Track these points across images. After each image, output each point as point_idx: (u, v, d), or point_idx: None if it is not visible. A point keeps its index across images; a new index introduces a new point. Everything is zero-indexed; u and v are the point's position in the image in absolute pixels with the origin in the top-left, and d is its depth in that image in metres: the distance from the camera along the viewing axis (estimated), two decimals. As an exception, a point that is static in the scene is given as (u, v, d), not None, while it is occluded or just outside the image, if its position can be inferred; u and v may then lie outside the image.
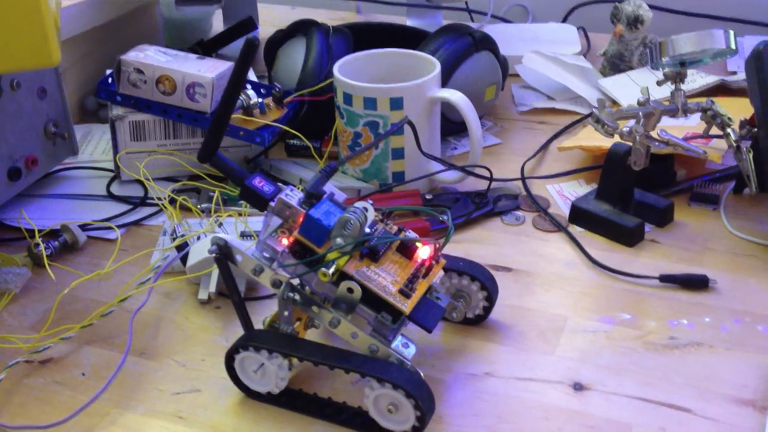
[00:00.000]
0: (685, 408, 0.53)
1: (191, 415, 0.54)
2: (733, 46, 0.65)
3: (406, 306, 0.51)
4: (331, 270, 0.50)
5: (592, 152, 0.79)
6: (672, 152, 0.71)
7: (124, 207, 0.75)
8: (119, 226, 0.72)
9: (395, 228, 0.55)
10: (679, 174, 0.76)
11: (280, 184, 0.55)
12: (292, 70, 0.82)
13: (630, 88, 0.89)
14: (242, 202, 0.71)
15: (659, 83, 0.68)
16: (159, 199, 0.72)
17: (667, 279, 0.64)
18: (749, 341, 0.58)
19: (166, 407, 0.55)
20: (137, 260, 0.67)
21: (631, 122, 0.68)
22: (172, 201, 0.71)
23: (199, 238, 0.66)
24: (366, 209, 0.52)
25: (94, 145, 0.85)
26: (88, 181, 0.79)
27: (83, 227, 0.71)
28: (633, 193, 0.71)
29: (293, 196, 0.53)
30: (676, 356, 0.58)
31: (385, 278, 0.52)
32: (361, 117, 0.73)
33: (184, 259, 0.64)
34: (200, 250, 0.63)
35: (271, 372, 0.53)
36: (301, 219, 0.52)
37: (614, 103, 0.88)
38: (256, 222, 0.70)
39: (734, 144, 0.68)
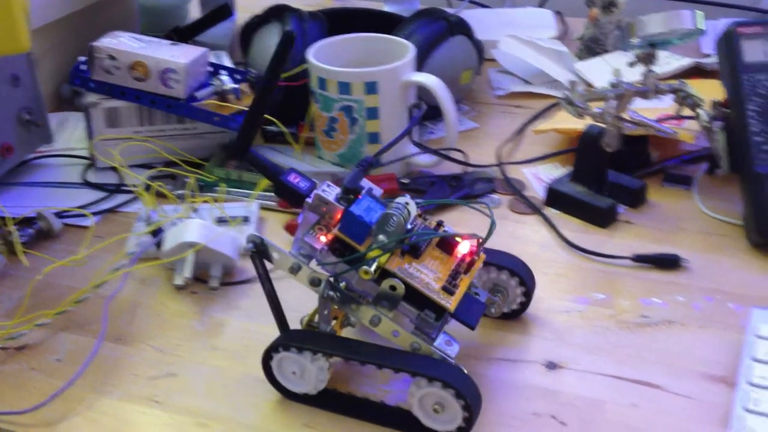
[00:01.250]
0: (657, 384, 0.54)
1: (167, 399, 0.54)
2: (701, 27, 0.66)
3: (450, 303, 0.50)
4: (373, 267, 0.49)
5: (567, 134, 0.79)
6: (644, 133, 0.72)
7: (100, 194, 0.75)
8: (95, 213, 0.72)
9: (434, 223, 0.53)
10: (653, 156, 0.77)
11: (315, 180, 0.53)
12: (267, 56, 0.81)
13: (605, 71, 0.90)
14: (218, 187, 0.72)
15: (631, 64, 0.69)
16: (134, 185, 0.72)
17: (640, 259, 0.65)
18: (720, 318, 0.59)
19: (141, 392, 0.55)
20: (112, 247, 0.67)
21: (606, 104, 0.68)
22: (148, 188, 0.71)
23: (174, 224, 0.65)
24: (408, 204, 0.51)
25: (70, 132, 0.84)
26: (63, 168, 0.79)
27: (59, 215, 0.71)
28: (607, 175, 0.72)
29: (330, 191, 0.52)
30: (648, 334, 0.58)
31: (428, 275, 0.51)
32: (336, 101, 0.73)
33: (159, 246, 0.64)
34: (175, 236, 0.63)
35: (311, 373, 0.52)
36: (338, 215, 0.51)
37: (590, 86, 0.88)
38: (231, 208, 0.70)
39: (705, 124, 0.68)
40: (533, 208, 0.72)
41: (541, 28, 1.02)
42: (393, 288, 0.50)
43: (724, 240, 0.67)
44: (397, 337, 0.51)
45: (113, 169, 0.76)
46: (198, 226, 0.63)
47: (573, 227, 0.70)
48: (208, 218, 0.68)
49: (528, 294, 0.59)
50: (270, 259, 0.53)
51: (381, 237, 0.49)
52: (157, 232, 0.65)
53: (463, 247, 0.52)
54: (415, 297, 0.50)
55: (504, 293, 0.59)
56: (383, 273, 0.50)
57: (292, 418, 0.53)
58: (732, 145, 0.67)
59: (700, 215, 0.70)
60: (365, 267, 0.49)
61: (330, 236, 0.51)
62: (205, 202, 0.69)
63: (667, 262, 0.64)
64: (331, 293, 0.51)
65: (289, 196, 0.53)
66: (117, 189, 0.75)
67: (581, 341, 0.58)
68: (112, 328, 0.60)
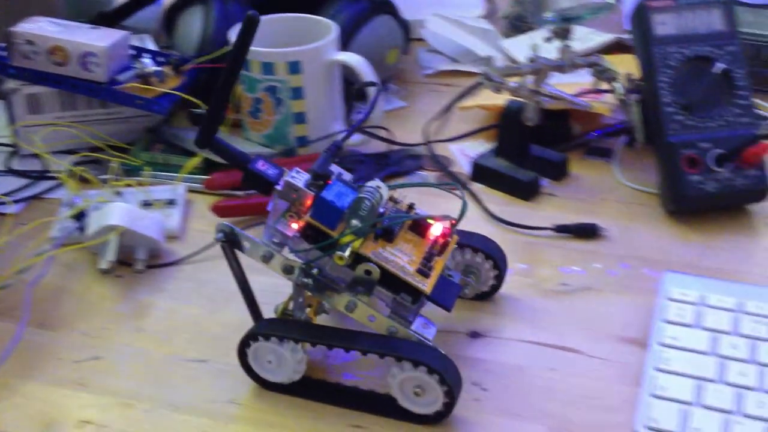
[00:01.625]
0: (575, 349, 0.56)
1: (92, 381, 0.54)
2: (610, 1, 0.67)
3: (426, 286, 0.50)
4: (347, 253, 0.48)
5: (491, 110, 0.80)
6: (562, 107, 0.73)
7: (24, 181, 0.74)
8: (18, 201, 0.71)
9: (406, 206, 0.53)
10: (575, 129, 0.79)
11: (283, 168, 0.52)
12: (191, 37, 0.81)
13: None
14: (144, 171, 0.72)
15: (547, 40, 0.70)
16: (58, 171, 0.71)
17: (561, 229, 0.67)
18: (635, 284, 0.61)
19: (67, 375, 0.55)
20: (35, 233, 0.66)
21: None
22: (72, 173, 0.70)
23: (98, 208, 0.65)
24: (380, 187, 0.51)
25: (-8, 120, 0.83)
26: (-15, 157, 0.78)
27: (-20, 203, 0.70)
28: (530, 149, 0.73)
29: (299, 178, 0.51)
30: (567, 301, 0.60)
31: (402, 258, 0.50)
32: (260, 82, 0.73)
33: (83, 230, 0.64)
34: (98, 219, 0.62)
35: (288, 361, 0.51)
36: (309, 201, 0.50)
37: (514, 62, 0.90)
38: (157, 191, 0.70)
39: (621, 97, 0.70)
40: (459, 184, 0.73)
41: (467, 6, 1.03)
42: (368, 272, 0.49)
43: (641, 209, 0.69)
44: (373, 322, 0.51)
45: (37, 155, 0.75)
46: (120, 209, 0.62)
47: (497, 201, 0.71)
48: (133, 202, 0.68)
49: (501, 275, 0.59)
50: (241, 248, 0.52)
51: (354, 222, 0.49)
52: (80, 217, 0.65)
53: (436, 229, 0.52)
54: (391, 281, 0.50)
55: (477, 274, 0.59)
56: (357, 258, 0.50)
57: (217, 394, 0.53)
58: (646, 117, 0.69)
59: (620, 186, 0.72)
60: (339, 252, 0.48)
61: (302, 223, 0.50)
62: (129, 185, 0.69)
63: (587, 232, 0.66)
64: (306, 280, 0.51)
65: (258, 184, 0.51)
66: (41, 176, 0.74)
67: (503, 310, 0.59)
68: (36, 313, 0.59)
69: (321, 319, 0.57)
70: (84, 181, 0.70)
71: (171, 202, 0.69)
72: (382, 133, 0.77)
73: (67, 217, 0.65)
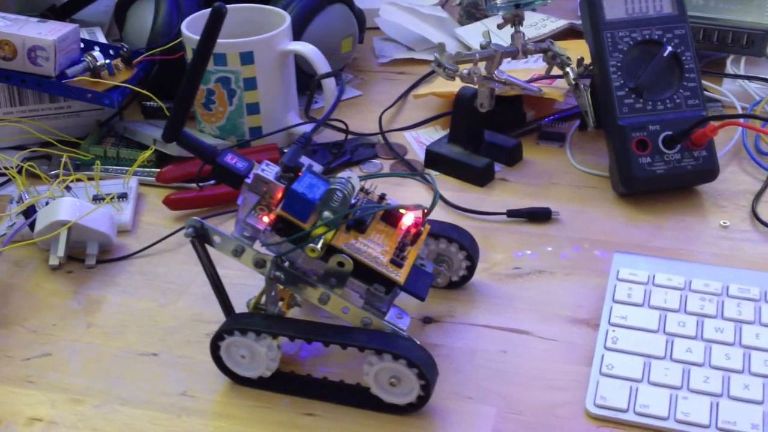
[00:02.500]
0: (526, 331, 0.56)
1: (42, 378, 0.54)
2: (560, -14, 0.68)
3: (400, 276, 0.50)
4: (320, 245, 0.48)
5: (444, 98, 0.81)
6: (514, 93, 0.74)
7: (-27, 179, 0.73)
8: (-34, 198, 0.70)
9: (377, 196, 0.53)
10: (529, 115, 0.79)
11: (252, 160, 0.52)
12: (142, 30, 0.80)
13: (485, 35, 0.91)
14: (95, 165, 0.71)
15: (499, 26, 0.70)
16: (6, 168, 0.70)
17: (513, 214, 0.67)
18: (586, 265, 0.62)
19: (15, 372, 0.54)
20: (-16, 230, 0.65)
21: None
22: (20, 169, 0.69)
23: (47, 203, 0.64)
24: (351, 178, 0.50)
25: (-60, 117, 0.81)
26: (-67, 154, 0.76)
27: (-73, 201, 0.69)
28: (483, 135, 0.74)
29: (269, 170, 0.50)
30: (519, 284, 0.60)
31: (375, 249, 0.50)
32: (213, 73, 0.73)
33: (33, 227, 0.63)
34: (47, 215, 0.62)
35: (261, 356, 0.51)
36: (279, 194, 0.50)
37: (469, 50, 0.90)
38: (108, 185, 0.69)
39: (572, 82, 0.71)
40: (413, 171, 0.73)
41: (423, -5, 1.03)
42: (341, 264, 0.49)
43: (593, 192, 0.70)
44: (347, 314, 0.50)
45: (-15, 152, 0.74)
46: (69, 204, 0.62)
47: (452, 187, 0.71)
48: (83, 197, 0.67)
49: (473, 265, 0.59)
50: (211, 243, 0.51)
51: (326, 213, 0.48)
52: (29, 213, 0.64)
53: (408, 219, 0.52)
54: (364, 272, 0.50)
55: (449, 263, 0.59)
56: (330, 250, 0.49)
57: (169, 387, 0.53)
58: (597, 101, 0.70)
59: (572, 170, 0.73)
60: (311, 245, 0.48)
61: (272, 216, 0.50)
62: (79, 180, 0.68)
63: (539, 216, 0.67)
64: (278, 273, 0.50)
65: (228, 178, 0.51)
66: (-10, 172, 0.73)
67: (456, 295, 0.60)
68: (-15, 312, 0.59)
69: (293, 313, 0.57)
70: (33, 176, 0.69)
71: (122, 196, 0.68)
72: (338, 125, 0.76)
73: (16, 214, 0.65)
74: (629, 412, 0.49)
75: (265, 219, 0.50)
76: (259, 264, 0.51)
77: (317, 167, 0.52)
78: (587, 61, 0.71)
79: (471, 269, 0.59)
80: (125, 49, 0.76)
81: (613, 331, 0.54)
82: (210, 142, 0.74)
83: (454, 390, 0.52)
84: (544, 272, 0.61)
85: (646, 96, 0.68)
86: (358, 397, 0.51)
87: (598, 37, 0.69)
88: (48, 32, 0.72)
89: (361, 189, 0.53)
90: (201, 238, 0.51)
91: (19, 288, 0.61)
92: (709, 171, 0.68)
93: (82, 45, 0.77)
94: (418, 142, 0.78)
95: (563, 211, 0.67)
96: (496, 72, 0.69)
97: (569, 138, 0.77)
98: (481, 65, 0.69)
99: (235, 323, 0.51)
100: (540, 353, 0.55)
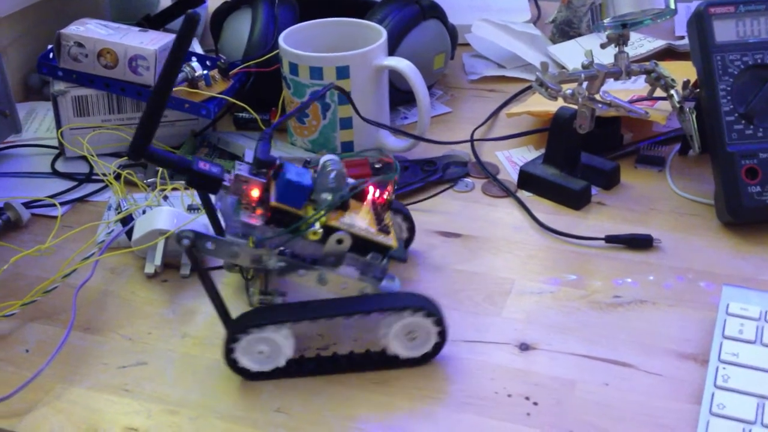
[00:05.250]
0: (629, 363, 0.54)
1: (137, 387, 0.54)
2: (672, 7, 0.66)
3: (392, 241, 0.53)
4: (318, 227, 0.51)
5: (540, 117, 0.79)
6: (616, 114, 0.72)
7: (70, 184, 0.74)
8: (64, 203, 0.71)
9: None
10: (626, 137, 0.77)
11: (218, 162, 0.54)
12: (238, 42, 0.81)
13: (579, 54, 0.89)
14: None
15: (603, 46, 0.69)
16: (104, 174, 0.71)
17: (612, 239, 0.65)
18: (691, 297, 0.59)
19: (111, 380, 0.55)
20: (82, 236, 0.66)
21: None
22: (118, 176, 0.70)
23: (144, 212, 0.65)
24: (335, 160, 0.52)
25: (39, 122, 0.83)
26: (32, 158, 0.78)
27: (27, 205, 0.70)
28: (580, 157, 0.72)
29: (244, 169, 0.52)
30: (620, 314, 0.58)
31: (361, 222, 0.52)
32: (308, 87, 0.72)
33: (130, 234, 0.64)
34: (145, 224, 0.62)
35: (281, 345, 0.52)
36: (254, 190, 0.51)
37: (563, 69, 0.88)
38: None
39: (677, 105, 0.68)
40: (506, 191, 0.72)
41: (514, 11, 1.02)
42: (340, 242, 0.51)
43: (696, 219, 0.67)
44: (345, 289, 0.52)
45: (83, 158, 0.75)
46: (167, 213, 0.62)
47: (546, 209, 0.70)
48: (179, 206, 0.68)
49: (412, 227, 0.63)
50: (206, 251, 0.52)
51: (324, 195, 0.51)
52: (127, 221, 0.64)
53: (374, 191, 0.55)
54: (357, 245, 0.52)
55: (396, 230, 0.62)
56: (326, 230, 0.51)
57: (263, 403, 0.52)
58: (703, 126, 0.67)
59: (672, 195, 0.70)
60: (312, 228, 0.50)
61: (260, 210, 0.51)
62: (176, 189, 0.68)
63: (639, 243, 0.64)
64: (281, 264, 0.52)
65: (206, 184, 0.51)
66: (87, 178, 0.74)
67: (552, 322, 0.58)
68: (81, 317, 0.59)
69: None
70: (130, 184, 0.70)
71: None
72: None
73: (114, 221, 0.65)
74: (743, 455, 0.47)
75: (258, 215, 0.51)
76: (256, 260, 0.52)
77: (289, 156, 0.55)
78: (692, 83, 0.69)
79: (411, 233, 0.64)
80: (223, 61, 0.76)
81: (724, 368, 0.52)
82: (303, 156, 0.75)
83: (553, 422, 0.50)
84: (646, 302, 0.59)
85: (757, 122, 0.65)
86: (374, 361, 0.54)
87: (707, 60, 0.66)
88: (149, 42, 0.73)
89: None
90: (196, 248, 0.52)
91: (115, 295, 0.62)
92: (823, 203, 0.64)
93: (179, 55, 0.77)
94: (510, 162, 0.76)
95: (664, 238, 0.65)
96: (600, 93, 0.67)
97: (669, 162, 0.74)
98: (583, 85, 0.67)
99: (249, 321, 0.52)
100: (645, 388, 0.52)
